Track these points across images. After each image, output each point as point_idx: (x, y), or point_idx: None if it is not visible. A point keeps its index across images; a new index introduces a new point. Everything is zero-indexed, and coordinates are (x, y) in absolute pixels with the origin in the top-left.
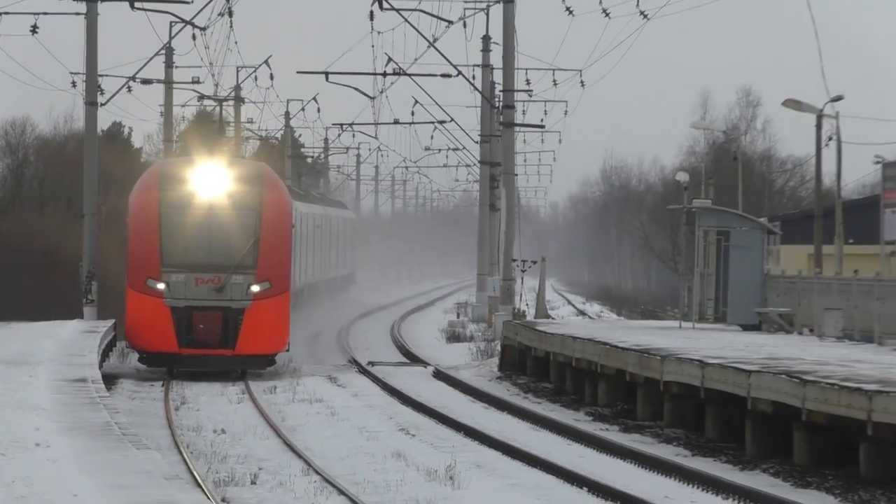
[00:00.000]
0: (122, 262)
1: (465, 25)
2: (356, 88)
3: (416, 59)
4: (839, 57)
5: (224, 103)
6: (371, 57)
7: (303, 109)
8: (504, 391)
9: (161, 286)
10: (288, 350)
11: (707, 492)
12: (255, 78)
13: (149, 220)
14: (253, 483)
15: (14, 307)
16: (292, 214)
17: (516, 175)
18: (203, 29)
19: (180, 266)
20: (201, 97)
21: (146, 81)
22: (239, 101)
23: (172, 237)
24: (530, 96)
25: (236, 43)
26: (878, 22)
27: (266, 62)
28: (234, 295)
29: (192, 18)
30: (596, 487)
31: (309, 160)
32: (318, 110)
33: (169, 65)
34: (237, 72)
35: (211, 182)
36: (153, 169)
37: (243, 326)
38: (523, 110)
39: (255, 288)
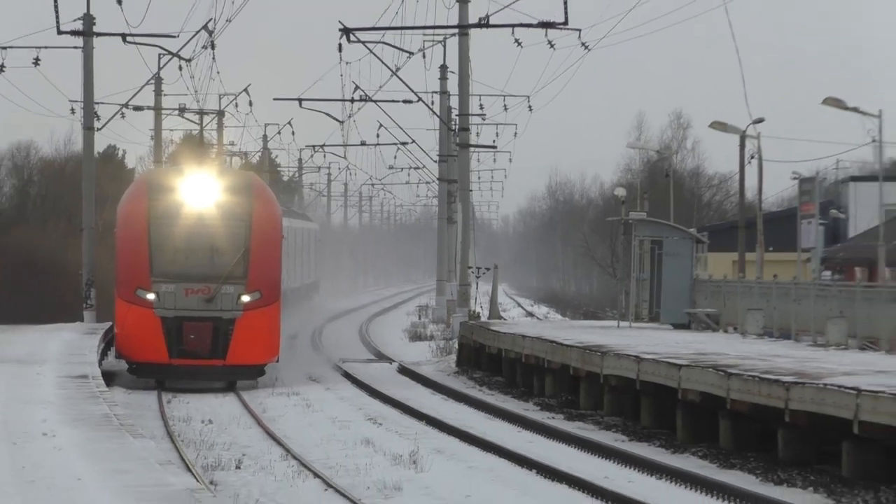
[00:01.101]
0: (112, 272)
1: (424, 56)
2: (327, 113)
3: (380, 87)
4: (762, 83)
5: (207, 126)
6: (340, 85)
7: (279, 132)
8: (461, 384)
9: (151, 296)
10: (278, 361)
11: (642, 473)
12: (236, 104)
13: (138, 231)
14: (238, 467)
15: (21, 312)
16: (282, 225)
17: (471, 191)
18: (188, 60)
19: (170, 276)
20: (182, 110)
21: (138, 108)
22: (221, 124)
23: (162, 247)
24: (483, 120)
25: (218, 73)
26: (798, 51)
27: (245, 90)
28: (225, 305)
29: (179, 51)
30: (544, 469)
31: (285, 178)
32: (293, 133)
33: (158, 93)
34: (220, 98)
35: (200, 192)
36: (141, 179)
37: (234, 337)
38: (477, 132)
39: (246, 298)
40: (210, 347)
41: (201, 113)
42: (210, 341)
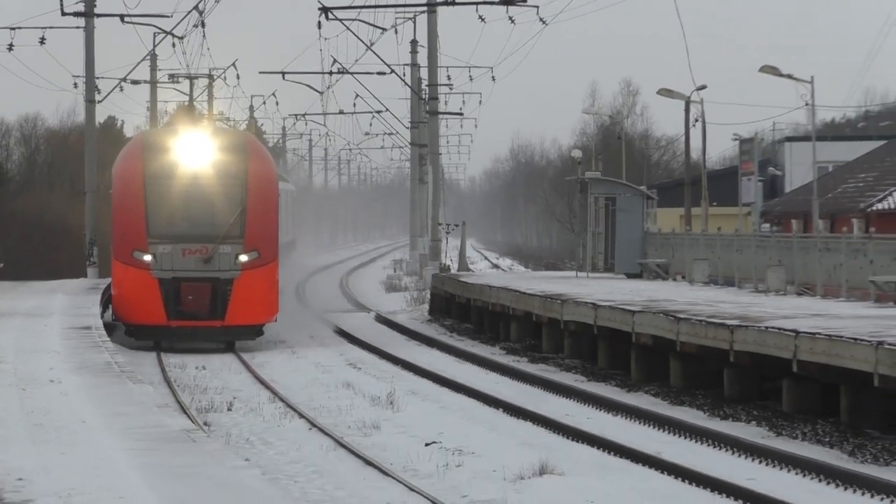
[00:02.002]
0: (108, 234)
1: (396, 32)
2: (308, 85)
3: (356, 60)
4: (706, 52)
5: (198, 98)
6: (319, 59)
7: (264, 103)
8: (433, 331)
9: (147, 258)
10: (276, 320)
11: (600, 410)
12: (225, 77)
13: (133, 191)
14: (229, 409)
15: (29, 270)
16: (278, 183)
17: (440, 154)
18: (181, 38)
19: (167, 237)
20: (173, 76)
21: (135, 82)
22: (211, 91)
23: (158, 208)
24: (451, 89)
25: (209, 49)
26: (740, 21)
27: (233, 64)
28: (222, 265)
29: (172, 30)
30: (510, 408)
31: (270, 145)
32: (277, 103)
33: (153, 68)
34: (210, 72)
35: (195, 152)
36: (136, 139)
37: (232, 297)
38: (445, 101)
39: (244, 258)
40: (208, 308)
41: (190, 77)
42: (208, 302)
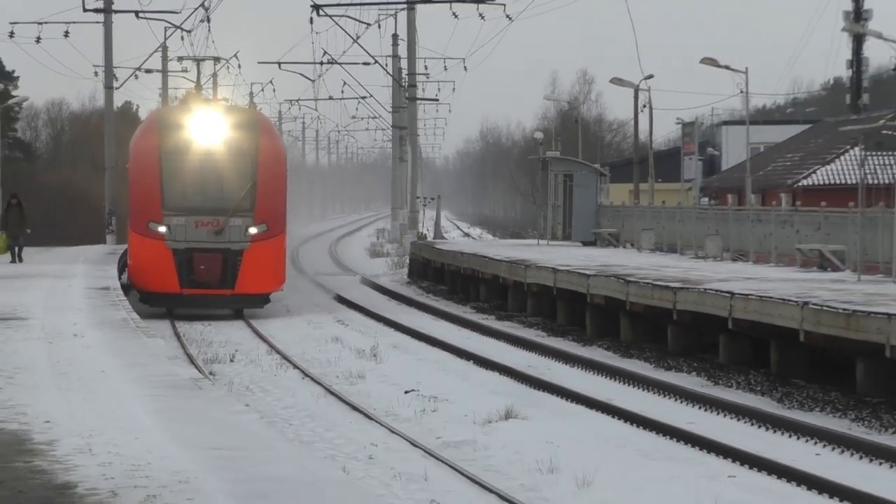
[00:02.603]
0: (125, 206)
1: (379, 27)
2: (301, 74)
3: (344, 52)
4: (654, 44)
5: (204, 84)
6: (311, 50)
7: (262, 90)
8: (412, 292)
9: (162, 229)
10: (282, 289)
11: (559, 362)
12: (228, 67)
13: (149, 166)
14: (231, 361)
15: (55, 236)
16: (286, 159)
17: (418, 136)
18: (189, 31)
19: (181, 209)
20: (181, 59)
21: (148, 71)
22: (216, 77)
23: (173, 182)
24: (427, 78)
25: (213, 41)
26: (685, 17)
27: (235, 55)
28: (233, 237)
29: (181, 24)
30: (480, 360)
31: None
32: (274, 90)
33: (164, 58)
34: (214, 62)
35: (208, 129)
36: (152, 116)
37: (242, 267)
38: (423, 88)
39: (253, 230)
40: (219, 277)
41: (198, 61)
42: (219, 271)
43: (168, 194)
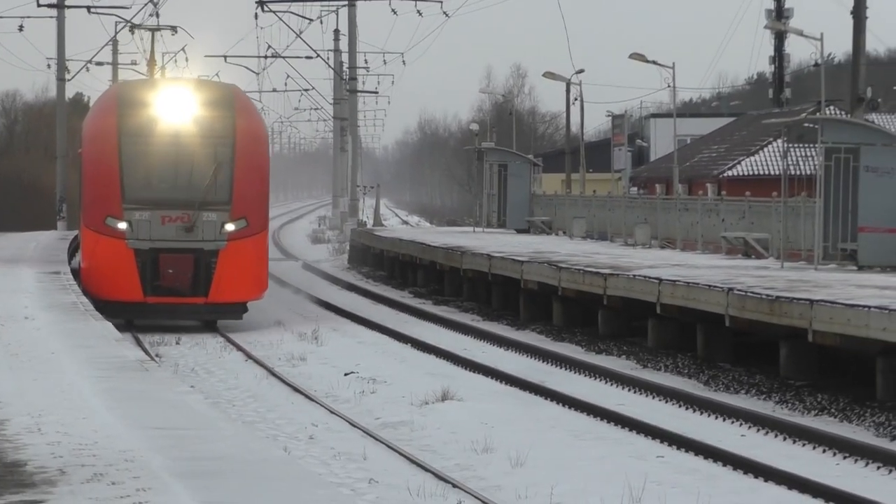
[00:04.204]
0: (76, 194)
1: (321, 22)
2: (246, 67)
3: (287, 46)
4: (585, 39)
5: (157, 63)
6: (256, 45)
7: None
8: (352, 277)
9: (122, 225)
10: (262, 297)
11: (493, 345)
12: (175, 60)
13: (106, 150)
14: (177, 343)
15: (7, 222)
16: (268, 143)
17: (359, 127)
18: (138, 26)
19: (144, 202)
20: (134, 27)
21: (99, 64)
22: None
23: (134, 169)
24: (368, 72)
25: (161, 35)
26: (615, 12)
27: (183, 49)
28: (207, 235)
29: (132, 18)
30: (417, 343)
31: None
32: None
33: (115, 52)
34: (162, 56)
35: (176, 106)
36: (110, 92)
37: (217, 271)
38: (363, 81)
39: (230, 227)
40: (190, 283)
41: (153, 30)
42: (190, 276)
43: (129, 184)
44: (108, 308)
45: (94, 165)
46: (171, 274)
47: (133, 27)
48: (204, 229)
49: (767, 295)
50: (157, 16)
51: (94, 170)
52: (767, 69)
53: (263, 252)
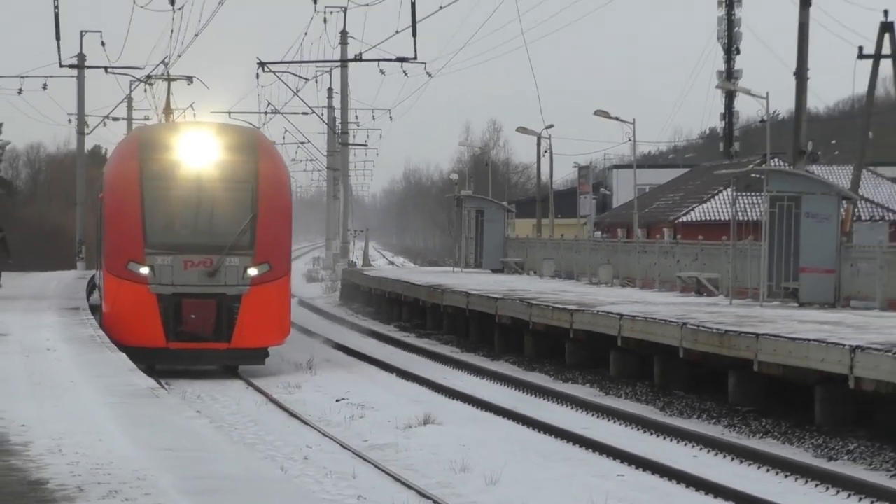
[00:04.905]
0: (93, 237)
1: (316, 81)
2: (248, 122)
3: (286, 103)
4: (555, 97)
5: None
6: (258, 102)
7: None
8: (343, 313)
9: (145, 270)
10: (285, 343)
11: (470, 374)
12: (185, 115)
13: (128, 194)
14: (185, 372)
15: (32, 263)
16: (291, 189)
17: (349, 176)
18: (151, 84)
19: (167, 247)
20: (148, 77)
21: (115, 119)
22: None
23: (157, 214)
24: (358, 126)
25: (173, 94)
26: (581, 72)
27: (191, 105)
28: (229, 280)
29: (146, 77)
30: (401, 372)
31: None
32: None
33: (129, 108)
34: (173, 113)
35: (199, 151)
36: (132, 136)
37: (240, 316)
38: (354, 135)
39: (253, 271)
40: (213, 328)
41: (169, 80)
42: (213, 321)
43: (151, 229)
44: (129, 354)
45: (116, 210)
46: (194, 319)
47: (150, 78)
48: (227, 274)
49: (718, 329)
50: (169, 74)
51: (115, 214)
52: (719, 125)
53: (286, 297)
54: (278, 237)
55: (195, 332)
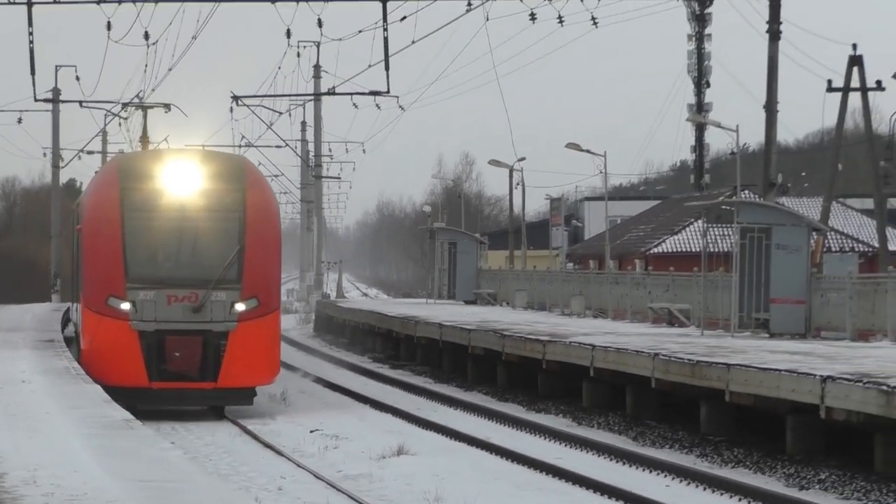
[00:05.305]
0: (68, 269)
1: (290, 115)
2: None
3: (259, 136)
4: (527, 131)
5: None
6: (231, 135)
7: None
8: (317, 344)
9: (126, 306)
10: (274, 382)
11: (444, 405)
12: (159, 146)
13: (108, 226)
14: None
15: (7, 295)
16: (279, 218)
17: (323, 209)
18: (125, 118)
19: (149, 281)
20: (124, 106)
21: (90, 153)
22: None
23: (138, 246)
24: (331, 159)
25: (141, 138)
26: (553, 107)
27: (166, 139)
28: (216, 316)
29: (119, 112)
30: (375, 403)
31: None
32: None
33: (104, 141)
34: (149, 142)
35: (182, 179)
36: (111, 163)
37: (227, 353)
38: (327, 168)
39: (241, 307)
40: (198, 367)
41: (144, 108)
42: (198, 359)
43: (132, 262)
44: (110, 394)
45: (95, 242)
46: (178, 357)
47: (126, 106)
48: (213, 309)
49: (689, 359)
50: (144, 102)
51: (94, 247)
52: (689, 157)
53: (276, 333)
54: (267, 270)
55: (179, 370)
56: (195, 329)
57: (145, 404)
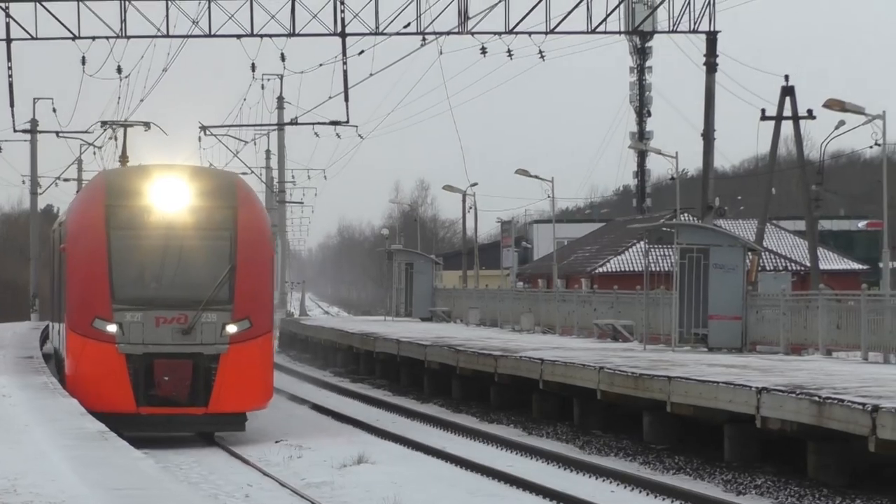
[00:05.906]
0: (56, 297)
1: (255, 144)
2: None
3: (226, 164)
4: (479, 157)
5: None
6: (200, 162)
7: None
8: (282, 360)
9: (112, 328)
10: (267, 407)
11: (402, 416)
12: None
13: (94, 245)
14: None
15: None
16: (272, 236)
17: (287, 232)
18: (100, 147)
19: (136, 302)
20: (106, 123)
21: (66, 180)
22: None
23: (125, 265)
24: (294, 185)
25: (120, 157)
26: (503, 135)
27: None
28: (206, 338)
29: (94, 141)
30: (336, 415)
31: None
32: None
33: (80, 169)
34: (128, 162)
35: (171, 196)
36: (97, 180)
37: (218, 378)
38: (290, 193)
39: (232, 328)
40: (188, 391)
41: (125, 126)
42: (188, 384)
43: (119, 282)
44: (96, 419)
45: (80, 262)
46: (167, 382)
47: (106, 124)
48: (203, 331)
49: (633, 373)
50: (116, 139)
51: (79, 267)
52: (632, 182)
53: (269, 355)
54: (259, 290)
55: (168, 395)
56: (185, 352)
57: (133, 430)
